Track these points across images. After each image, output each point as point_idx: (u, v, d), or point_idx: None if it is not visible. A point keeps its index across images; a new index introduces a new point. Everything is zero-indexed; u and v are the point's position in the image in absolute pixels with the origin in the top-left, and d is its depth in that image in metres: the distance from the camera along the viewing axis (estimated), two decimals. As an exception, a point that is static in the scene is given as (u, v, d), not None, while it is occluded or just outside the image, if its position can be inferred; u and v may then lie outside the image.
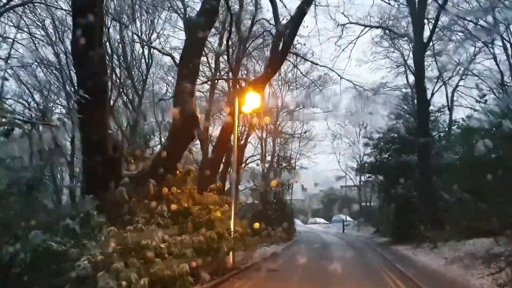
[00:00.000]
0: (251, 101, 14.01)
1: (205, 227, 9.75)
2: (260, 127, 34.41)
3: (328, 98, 33.31)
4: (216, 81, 26.23)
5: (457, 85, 29.33)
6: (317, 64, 22.06)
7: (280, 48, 16.83)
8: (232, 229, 11.97)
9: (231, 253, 12.26)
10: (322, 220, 61.72)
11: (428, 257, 17.16)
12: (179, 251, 8.19)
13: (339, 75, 23.49)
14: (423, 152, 22.66)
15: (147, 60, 26.20)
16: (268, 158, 37.73)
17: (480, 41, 24.26)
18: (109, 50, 23.13)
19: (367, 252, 21.49)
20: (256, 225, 16.60)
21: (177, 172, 10.36)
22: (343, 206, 52.26)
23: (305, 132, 38.15)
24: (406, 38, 27.37)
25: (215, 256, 10.07)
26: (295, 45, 22.83)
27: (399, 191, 24.70)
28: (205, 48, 27.34)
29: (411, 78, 29.68)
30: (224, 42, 20.04)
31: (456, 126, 27.69)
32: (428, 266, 14.89)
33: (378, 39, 28.13)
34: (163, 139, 34.38)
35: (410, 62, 28.98)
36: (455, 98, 29.26)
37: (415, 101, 29.27)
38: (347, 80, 23.91)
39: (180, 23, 25.08)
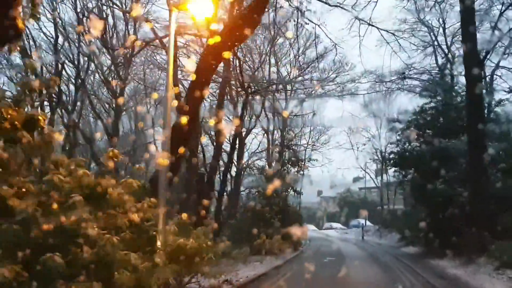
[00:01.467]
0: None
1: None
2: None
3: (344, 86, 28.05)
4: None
5: (497, 65, 24.69)
6: (329, 4, 15.80)
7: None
8: (159, 245, 6.29)
9: None
10: (339, 225, 55.76)
11: (501, 284, 11.11)
12: None
13: (359, 20, 17.36)
14: (476, 134, 16.66)
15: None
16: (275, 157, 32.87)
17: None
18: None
19: (399, 272, 15.36)
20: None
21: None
22: (362, 209, 46.12)
23: (314, 115, 33.61)
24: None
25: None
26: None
27: (438, 187, 18.65)
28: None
29: (440, 61, 27.18)
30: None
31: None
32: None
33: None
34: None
35: (441, 39, 26.70)
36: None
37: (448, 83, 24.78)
38: (374, 27, 18.02)
39: None
